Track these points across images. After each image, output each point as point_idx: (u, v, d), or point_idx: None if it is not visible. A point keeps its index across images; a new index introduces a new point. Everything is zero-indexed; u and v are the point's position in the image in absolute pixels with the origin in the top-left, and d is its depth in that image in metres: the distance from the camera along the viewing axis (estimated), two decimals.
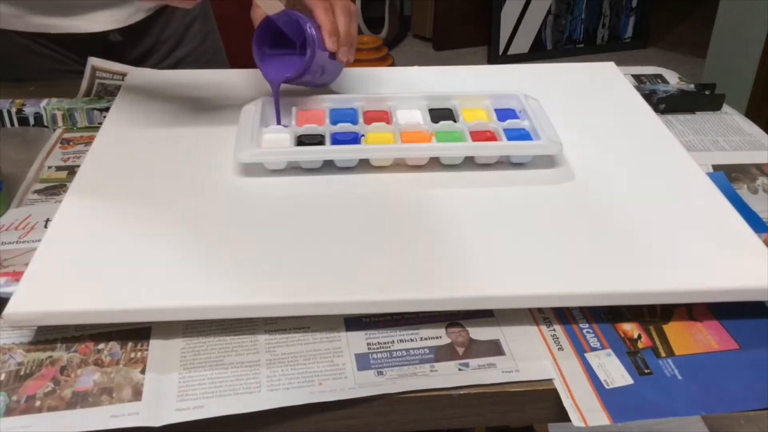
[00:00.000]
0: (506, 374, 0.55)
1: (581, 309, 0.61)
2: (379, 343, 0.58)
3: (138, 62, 1.01)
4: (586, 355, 0.57)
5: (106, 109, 0.84)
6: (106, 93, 0.93)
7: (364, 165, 0.72)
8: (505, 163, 0.73)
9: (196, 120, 0.79)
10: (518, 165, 0.73)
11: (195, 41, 1.08)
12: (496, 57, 2.96)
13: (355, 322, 0.59)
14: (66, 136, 0.84)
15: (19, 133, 0.84)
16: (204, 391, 0.53)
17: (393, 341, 0.58)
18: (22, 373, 0.54)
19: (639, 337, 0.59)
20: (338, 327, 0.59)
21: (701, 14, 3.31)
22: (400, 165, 0.73)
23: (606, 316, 0.60)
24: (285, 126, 0.75)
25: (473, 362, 0.56)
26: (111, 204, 0.66)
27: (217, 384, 0.54)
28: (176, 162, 0.72)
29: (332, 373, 0.55)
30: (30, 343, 0.57)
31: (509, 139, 0.73)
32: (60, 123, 0.85)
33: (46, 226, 0.68)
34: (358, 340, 0.58)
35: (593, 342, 0.58)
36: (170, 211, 0.65)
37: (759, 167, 0.81)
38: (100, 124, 0.80)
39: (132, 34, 1.00)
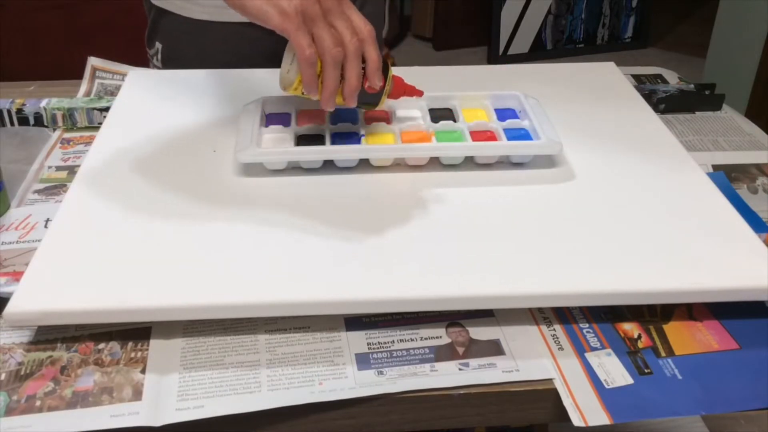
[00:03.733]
0: (506, 374, 0.55)
1: (581, 309, 0.61)
2: (379, 343, 0.58)
3: None
4: (586, 354, 0.57)
5: (106, 109, 0.84)
6: (106, 93, 0.93)
7: (364, 165, 0.72)
8: (505, 163, 0.73)
9: (196, 120, 0.79)
10: (518, 165, 0.73)
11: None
12: (496, 57, 2.96)
13: (355, 322, 0.59)
14: (66, 136, 0.84)
15: (19, 133, 0.84)
16: (204, 390, 0.53)
17: (393, 341, 0.58)
18: (22, 372, 0.54)
19: (639, 336, 0.59)
20: (338, 327, 0.59)
21: (701, 14, 3.31)
22: (400, 165, 0.73)
23: (606, 315, 0.60)
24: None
25: (473, 362, 0.56)
26: (111, 204, 0.66)
27: (218, 384, 0.54)
28: (176, 162, 0.72)
29: (332, 373, 0.55)
30: (30, 343, 0.57)
31: (509, 139, 0.73)
32: (60, 123, 0.85)
33: (46, 226, 0.68)
34: (358, 340, 0.58)
35: (593, 342, 0.58)
36: (170, 211, 0.65)
37: (759, 167, 0.81)
38: (100, 124, 0.80)
39: None
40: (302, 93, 0.66)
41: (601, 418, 0.52)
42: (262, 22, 0.63)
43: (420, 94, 0.73)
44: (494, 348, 0.57)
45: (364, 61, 0.65)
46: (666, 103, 0.91)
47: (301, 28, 0.61)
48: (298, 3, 0.61)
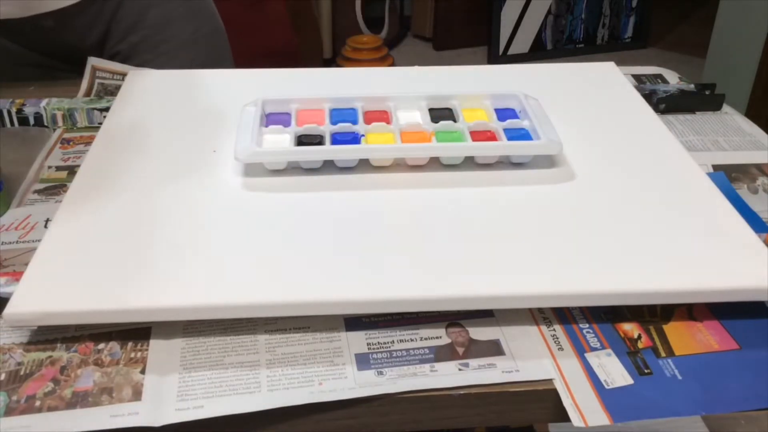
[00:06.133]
0: (506, 374, 0.55)
1: (581, 309, 0.61)
2: (379, 343, 0.58)
3: (81, 47, 1.01)
4: (586, 355, 0.57)
5: (106, 109, 0.84)
6: (106, 93, 0.93)
7: (364, 165, 0.72)
8: (505, 163, 0.73)
9: (196, 120, 0.79)
10: (518, 165, 0.73)
11: (157, 28, 1.04)
12: (496, 57, 2.96)
13: (355, 322, 0.59)
14: (66, 136, 0.84)
15: (19, 133, 0.84)
16: (204, 391, 0.53)
17: (393, 341, 0.58)
18: (22, 373, 0.54)
19: (639, 337, 0.59)
20: (338, 327, 0.59)
21: (701, 14, 3.31)
22: (400, 165, 0.73)
23: (606, 316, 0.60)
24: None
25: (473, 362, 0.56)
26: (111, 204, 0.66)
27: (217, 384, 0.54)
28: (176, 162, 0.72)
29: (332, 373, 0.55)
30: (30, 343, 0.57)
31: (509, 139, 0.73)
32: (60, 123, 0.85)
33: (46, 226, 0.68)
34: (358, 340, 0.58)
35: (593, 342, 0.58)
36: (170, 211, 0.65)
37: (759, 167, 0.81)
38: (100, 124, 0.80)
39: (66, 19, 0.98)
40: None
41: (601, 419, 0.52)
42: None
43: None
44: (494, 348, 0.57)
45: None
46: (666, 103, 0.91)
47: None
48: None
